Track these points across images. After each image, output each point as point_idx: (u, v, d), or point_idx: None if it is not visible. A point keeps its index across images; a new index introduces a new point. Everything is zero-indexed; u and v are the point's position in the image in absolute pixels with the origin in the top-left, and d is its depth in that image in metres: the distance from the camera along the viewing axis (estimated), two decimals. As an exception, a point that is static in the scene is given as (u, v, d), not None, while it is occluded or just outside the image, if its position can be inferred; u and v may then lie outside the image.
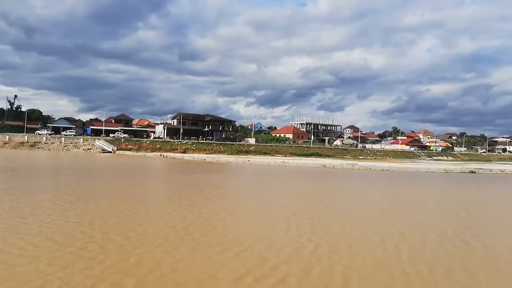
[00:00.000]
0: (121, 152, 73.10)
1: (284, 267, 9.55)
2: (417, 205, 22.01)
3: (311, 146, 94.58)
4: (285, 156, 77.92)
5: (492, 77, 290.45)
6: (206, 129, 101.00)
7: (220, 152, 77.52)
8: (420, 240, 12.83)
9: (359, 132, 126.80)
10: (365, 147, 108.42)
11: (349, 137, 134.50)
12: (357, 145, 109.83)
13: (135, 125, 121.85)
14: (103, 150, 72.83)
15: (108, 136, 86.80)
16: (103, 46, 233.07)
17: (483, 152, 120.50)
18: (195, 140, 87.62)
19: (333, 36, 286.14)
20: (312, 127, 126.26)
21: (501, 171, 57.72)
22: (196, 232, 12.67)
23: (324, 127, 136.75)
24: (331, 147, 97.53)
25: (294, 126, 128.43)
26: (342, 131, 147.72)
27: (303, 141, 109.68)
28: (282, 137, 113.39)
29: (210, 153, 74.73)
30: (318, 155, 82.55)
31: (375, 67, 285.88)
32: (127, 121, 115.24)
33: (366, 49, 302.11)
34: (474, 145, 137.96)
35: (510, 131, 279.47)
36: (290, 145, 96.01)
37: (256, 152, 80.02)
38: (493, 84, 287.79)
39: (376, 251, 11.40)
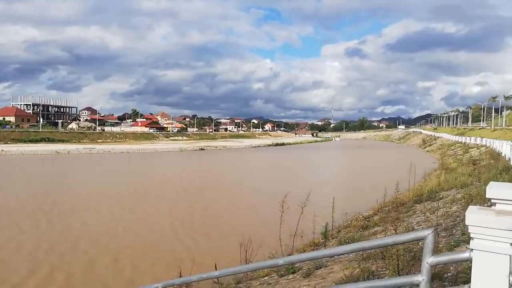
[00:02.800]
0: None
1: (46, 267, 8.70)
2: (164, 181, 23.90)
3: (41, 130, 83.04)
4: (6, 143, 65.25)
5: (216, 67, 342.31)
6: None
7: None
8: (186, 214, 14.28)
9: (97, 115, 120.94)
10: (104, 130, 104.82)
11: (86, 120, 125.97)
12: (95, 128, 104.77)
13: None
14: None
15: None
16: None
17: (211, 131, 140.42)
18: None
19: (64, 8, 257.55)
20: (42, 109, 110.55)
21: (223, 147, 70.31)
22: None
23: (56, 108, 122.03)
24: (66, 131, 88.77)
25: (18, 108, 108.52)
26: (78, 113, 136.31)
27: (30, 125, 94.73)
28: (0, 120, 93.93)
29: None
30: (50, 140, 73.77)
31: (114, 48, 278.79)
32: None
33: (104, 28, 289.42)
34: (203, 126, 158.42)
35: (230, 113, 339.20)
36: (12, 130, 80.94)
37: (-39, 140, 63.19)
38: (217, 73, 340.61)
39: (153, 228, 12.06)
